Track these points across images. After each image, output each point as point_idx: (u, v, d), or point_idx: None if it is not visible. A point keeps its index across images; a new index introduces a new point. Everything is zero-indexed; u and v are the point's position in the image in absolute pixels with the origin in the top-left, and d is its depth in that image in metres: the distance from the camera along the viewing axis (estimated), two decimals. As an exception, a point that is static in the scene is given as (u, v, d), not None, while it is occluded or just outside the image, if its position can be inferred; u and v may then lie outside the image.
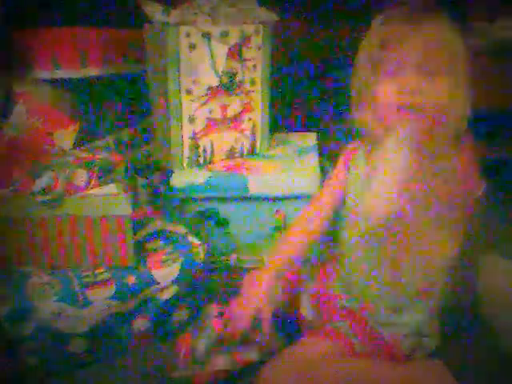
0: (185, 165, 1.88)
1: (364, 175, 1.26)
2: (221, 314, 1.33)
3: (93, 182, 1.44)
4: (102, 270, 1.45)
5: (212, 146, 1.91)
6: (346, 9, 2.44)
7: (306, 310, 1.42)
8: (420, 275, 1.23)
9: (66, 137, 1.74)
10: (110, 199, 1.41)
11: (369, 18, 1.22)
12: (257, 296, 1.23)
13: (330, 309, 1.37)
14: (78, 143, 1.76)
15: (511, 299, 1.48)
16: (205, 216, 1.83)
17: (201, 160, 1.90)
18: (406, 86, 1.12)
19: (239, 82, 1.87)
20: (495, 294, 1.54)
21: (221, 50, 1.80)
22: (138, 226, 1.56)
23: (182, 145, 1.86)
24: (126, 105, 2.02)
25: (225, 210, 1.84)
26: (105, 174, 1.45)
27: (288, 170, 1.86)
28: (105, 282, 1.43)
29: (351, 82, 1.24)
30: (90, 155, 1.52)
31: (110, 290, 1.42)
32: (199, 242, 1.57)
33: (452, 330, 1.40)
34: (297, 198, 1.81)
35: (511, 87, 2.37)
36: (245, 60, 1.86)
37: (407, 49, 1.11)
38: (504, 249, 1.68)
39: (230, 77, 1.84)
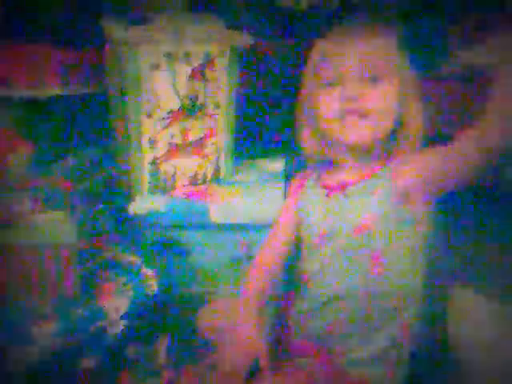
0: (145, 190, 1.80)
1: (324, 197, 1.25)
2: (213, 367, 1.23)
3: (38, 209, 1.35)
4: (46, 304, 1.36)
5: (174, 171, 1.83)
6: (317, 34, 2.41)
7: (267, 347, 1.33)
8: (390, 292, 1.19)
9: (20, 160, 1.66)
10: (56, 226, 1.33)
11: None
12: (250, 341, 1.15)
13: (292, 345, 1.30)
14: (34, 166, 1.68)
15: (481, 341, 1.41)
16: (164, 244, 1.75)
17: (162, 186, 1.82)
18: (348, 92, 1.13)
19: (202, 105, 1.80)
20: (465, 333, 1.48)
21: (183, 72, 1.73)
22: (89, 254, 1.47)
23: (143, 170, 1.78)
24: (85, 127, 1.93)
25: (186, 238, 1.76)
26: (51, 199, 1.37)
27: (252, 197, 1.79)
28: (50, 316, 1.34)
29: (297, 104, 1.28)
30: (36, 180, 1.44)
31: (55, 324, 1.33)
32: (153, 274, 1.48)
33: (422, 367, 1.33)
34: (261, 226, 1.73)
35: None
36: (208, 82, 1.79)
37: (346, 57, 1.14)
38: (476, 284, 1.63)
39: (192, 99, 1.77)
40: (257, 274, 1.30)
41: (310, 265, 1.27)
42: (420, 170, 1.11)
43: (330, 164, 1.28)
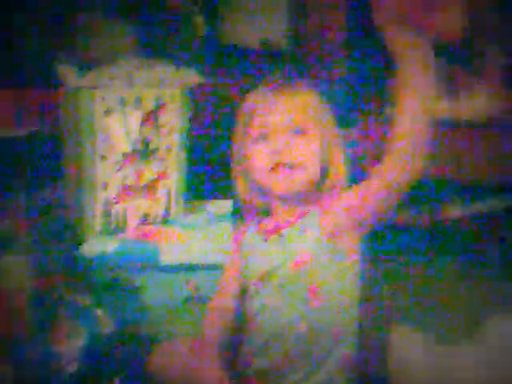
0: (96, 232, 1.82)
1: (263, 242, 1.32)
2: None
3: (-6, 252, 1.37)
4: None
5: (125, 212, 1.86)
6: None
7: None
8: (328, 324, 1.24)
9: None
10: (9, 270, 1.35)
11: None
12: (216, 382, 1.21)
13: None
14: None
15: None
16: (115, 285, 1.77)
17: (113, 227, 1.85)
18: (276, 146, 1.23)
19: (154, 148, 1.85)
20: (406, 369, 1.55)
21: (135, 116, 1.78)
22: (40, 296, 1.49)
23: (94, 211, 1.81)
24: (34, 168, 1.95)
25: (136, 279, 1.78)
26: (5, 243, 1.39)
27: (201, 238, 1.84)
28: (1, 359, 1.35)
29: (231, 156, 1.37)
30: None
31: (7, 367, 1.34)
32: (104, 314, 1.51)
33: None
34: (209, 267, 1.78)
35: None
36: (160, 126, 1.84)
37: (272, 112, 1.24)
38: (416, 321, 1.71)
39: (145, 143, 1.82)
40: (213, 317, 1.35)
41: (251, 305, 1.33)
42: (341, 207, 1.22)
43: (265, 210, 1.36)
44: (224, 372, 1.23)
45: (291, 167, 1.24)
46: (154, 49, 2.43)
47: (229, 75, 2.63)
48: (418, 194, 2.21)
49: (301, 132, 1.24)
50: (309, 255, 1.22)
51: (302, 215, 1.27)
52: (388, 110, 2.30)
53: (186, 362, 1.39)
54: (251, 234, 1.37)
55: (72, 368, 1.43)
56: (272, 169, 1.24)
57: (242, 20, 3.35)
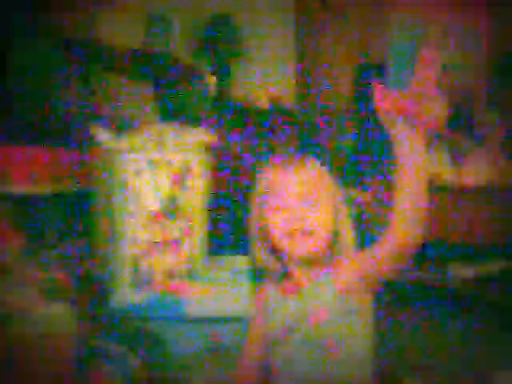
0: (125, 285, 1.94)
1: (282, 299, 1.39)
2: None
3: (41, 301, 1.49)
4: (44, 388, 1.48)
5: (152, 267, 1.98)
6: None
7: None
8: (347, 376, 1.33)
9: (10, 251, 1.79)
10: (57, 317, 1.46)
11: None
12: None
13: None
14: (22, 257, 1.81)
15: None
16: (143, 335, 1.88)
17: (141, 280, 1.97)
18: (293, 216, 1.32)
19: (180, 207, 1.98)
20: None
21: (165, 178, 1.92)
22: (78, 343, 1.60)
23: (124, 265, 1.92)
24: (68, 221, 2.09)
25: (162, 329, 1.89)
26: (52, 292, 1.51)
27: (222, 292, 1.95)
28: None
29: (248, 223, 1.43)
30: (39, 273, 1.57)
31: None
32: (138, 361, 1.61)
33: None
34: (230, 319, 1.88)
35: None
36: (186, 188, 1.98)
37: (287, 186, 1.34)
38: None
39: (172, 202, 1.95)
40: (243, 371, 1.45)
41: (275, 359, 1.42)
42: (353, 269, 1.32)
43: (283, 272, 1.46)
44: None
45: (305, 234, 1.32)
46: (170, 111, 2.61)
47: (241, 134, 2.78)
48: (430, 254, 2.35)
49: (313, 202, 1.32)
50: (325, 312, 1.31)
51: (318, 276, 1.35)
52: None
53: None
54: (272, 293, 1.43)
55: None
56: (288, 235, 1.32)
57: (252, 79, 3.55)
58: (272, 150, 2.65)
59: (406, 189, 1.21)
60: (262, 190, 1.38)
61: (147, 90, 2.78)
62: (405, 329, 1.91)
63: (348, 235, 1.38)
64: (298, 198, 1.33)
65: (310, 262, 1.37)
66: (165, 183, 1.93)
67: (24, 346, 1.46)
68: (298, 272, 1.39)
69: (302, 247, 1.33)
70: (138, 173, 1.88)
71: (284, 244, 1.35)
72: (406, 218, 1.22)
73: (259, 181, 1.40)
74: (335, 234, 1.36)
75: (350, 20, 3.36)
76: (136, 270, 1.95)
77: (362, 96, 3.14)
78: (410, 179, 1.20)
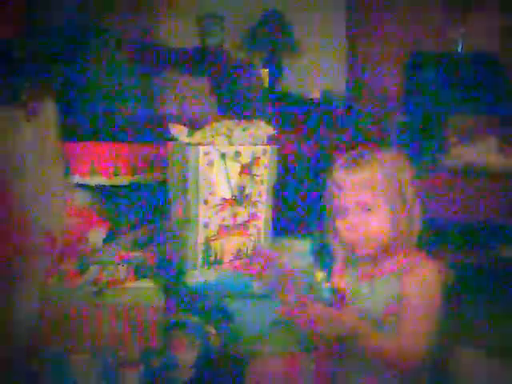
0: (198, 264, 2.15)
1: (357, 282, 1.52)
2: None
3: (131, 276, 1.70)
4: (134, 352, 1.69)
5: (222, 248, 2.19)
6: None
7: None
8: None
9: (98, 235, 2.02)
10: (145, 291, 1.68)
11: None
12: None
13: None
14: (105, 241, 2.04)
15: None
16: (213, 310, 2.07)
17: (212, 260, 2.17)
18: (350, 222, 1.43)
19: (248, 194, 2.17)
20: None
21: (234, 168, 2.11)
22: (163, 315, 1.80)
23: (197, 247, 2.13)
24: (146, 209, 2.31)
25: (232, 305, 2.08)
26: (140, 269, 1.72)
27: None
28: (136, 363, 1.67)
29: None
30: (127, 253, 1.79)
31: (140, 370, 1.66)
32: (215, 332, 1.81)
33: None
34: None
35: (482, 201, 2.73)
36: (254, 176, 2.17)
37: (347, 192, 1.42)
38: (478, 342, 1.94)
39: (241, 190, 2.15)
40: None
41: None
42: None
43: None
44: None
45: (365, 237, 1.41)
46: (227, 105, 2.80)
47: (293, 126, 2.94)
48: (479, 237, 2.47)
49: (369, 209, 1.39)
50: (396, 308, 1.39)
51: (388, 272, 1.45)
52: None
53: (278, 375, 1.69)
54: (349, 274, 1.55)
55: (188, 375, 1.73)
56: (349, 237, 1.44)
57: (304, 72, 3.68)
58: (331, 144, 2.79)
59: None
60: (330, 191, 1.47)
61: (205, 86, 2.95)
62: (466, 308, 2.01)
63: (410, 233, 1.43)
64: (355, 205, 1.41)
65: (377, 258, 1.48)
66: (234, 173, 2.12)
67: (116, 317, 1.69)
68: (366, 264, 1.51)
69: (362, 248, 1.45)
70: (209, 164, 2.07)
71: (348, 242, 1.47)
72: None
73: (328, 181, 1.47)
74: (396, 233, 1.42)
75: (399, 16, 3.44)
76: (208, 250, 2.16)
77: (412, 88, 3.24)
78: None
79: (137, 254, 1.78)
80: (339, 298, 1.49)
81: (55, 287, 1.67)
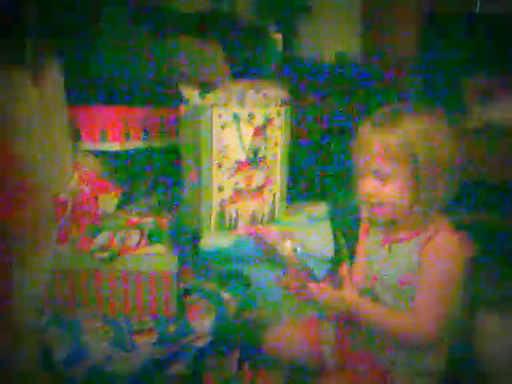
0: (212, 229, 2.10)
1: (378, 246, 1.49)
2: None
3: (143, 242, 1.66)
4: (147, 319, 1.66)
5: (237, 212, 2.14)
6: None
7: (327, 358, 1.58)
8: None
9: (109, 201, 1.98)
10: (158, 257, 1.64)
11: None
12: None
13: (349, 355, 1.54)
14: (119, 206, 2.00)
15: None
16: (229, 275, 2.04)
17: (226, 225, 2.13)
18: (366, 189, 1.39)
19: (262, 157, 2.12)
20: (494, 353, 1.73)
21: (248, 130, 2.05)
22: (180, 281, 1.77)
23: (211, 211, 2.09)
24: (158, 174, 2.26)
25: (247, 270, 2.05)
26: (153, 235, 1.68)
27: (302, 236, 2.08)
28: (149, 330, 1.64)
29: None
30: (139, 218, 1.75)
31: (154, 336, 1.63)
32: (231, 297, 1.78)
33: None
34: (312, 259, 2.01)
35: (503, 163, 2.66)
36: (268, 138, 2.11)
37: (366, 156, 1.37)
38: (502, 309, 1.88)
39: (255, 153, 2.09)
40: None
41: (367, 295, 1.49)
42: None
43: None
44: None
45: (380, 205, 1.38)
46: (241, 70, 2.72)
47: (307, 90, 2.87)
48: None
49: (385, 179, 1.35)
50: (413, 275, 1.37)
51: (407, 238, 1.41)
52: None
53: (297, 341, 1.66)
54: (373, 237, 1.52)
55: (203, 342, 1.70)
56: (367, 199, 1.40)
57: (318, 35, 3.59)
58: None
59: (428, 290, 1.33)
60: (355, 150, 1.42)
61: (218, 51, 2.88)
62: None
63: (430, 200, 1.36)
64: (371, 172, 1.37)
65: (395, 224, 1.44)
66: (248, 135, 2.06)
67: (129, 283, 1.65)
68: (392, 226, 1.46)
69: (379, 215, 1.42)
70: (223, 126, 2.02)
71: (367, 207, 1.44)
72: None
73: (355, 140, 1.42)
74: (415, 201, 1.36)
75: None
76: (222, 215, 2.11)
77: (428, 51, 3.16)
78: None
79: (149, 220, 1.74)
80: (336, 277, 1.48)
81: (67, 253, 1.64)
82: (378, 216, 1.43)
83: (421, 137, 1.32)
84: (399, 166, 1.33)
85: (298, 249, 1.50)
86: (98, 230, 1.64)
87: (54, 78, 1.80)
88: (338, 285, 1.44)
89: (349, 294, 1.42)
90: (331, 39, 3.54)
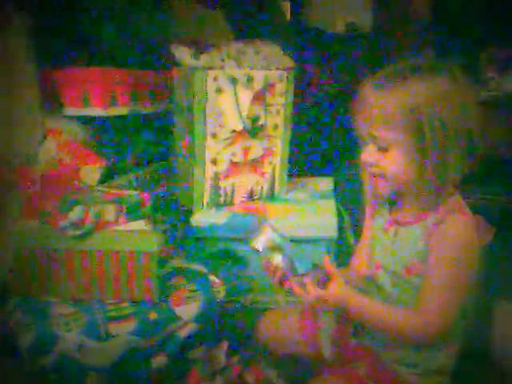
0: (205, 205, 1.93)
1: (382, 230, 1.32)
2: None
3: (121, 218, 1.48)
4: (125, 305, 1.49)
5: (233, 187, 1.96)
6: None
7: (325, 350, 1.43)
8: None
9: (92, 173, 1.79)
10: (138, 235, 1.46)
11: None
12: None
13: (348, 348, 1.40)
14: (102, 179, 1.82)
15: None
16: (222, 255, 1.87)
17: (221, 201, 1.95)
18: (367, 159, 1.22)
19: (262, 126, 1.92)
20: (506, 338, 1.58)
21: (246, 95, 1.86)
22: (160, 262, 1.59)
23: (204, 185, 1.91)
24: (149, 144, 2.07)
25: (242, 250, 1.87)
26: (133, 210, 1.50)
27: (305, 213, 1.91)
28: (127, 317, 1.46)
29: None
30: (119, 191, 1.57)
31: (132, 324, 1.45)
32: (220, 282, 1.60)
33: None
34: (314, 241, 1.85)
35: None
36: (268, 105, 1.92)
37: (367, 121, 1.19)
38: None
39: (254, 121, 1.90)
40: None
41: (369, 287, 1.36)
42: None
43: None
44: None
45: (381, 177, 1.22)
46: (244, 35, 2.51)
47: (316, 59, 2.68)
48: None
49: (386, 147, 1.18)
50: (421, 262, 1.21)
51: (418, 221, 1.23)
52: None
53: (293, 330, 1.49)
54: (378, 219, 1.36)
55: (188, 330, 1.52)
56: (370, 171, 1.24)
57: (328, 3, 3.40)
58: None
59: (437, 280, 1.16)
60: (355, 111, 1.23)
61: (220, 17, 2.69)
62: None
63: (437, 175, 1.17)
64: (371, 141, 1.20)
65: (402, 203, 1.28)
66: (246, 101, 1.87)
67: (105, 264, 1.47)
68: (401, 206, 1.30)
69: (382, 188, 1.24)
70: (218, 91, 1.83)
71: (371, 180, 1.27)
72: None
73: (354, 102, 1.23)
74: (420, 175, 1.18)
75: None
76: (216, 190, 1.93)
77: (442, 21, 2.98)
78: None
79: (130, 193, 1.55)
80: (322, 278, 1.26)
81: (34, 229, 1.45)
82: (380, 190, 1.25)
83: (429, 101, 1.13)
84: (401, 134, 1.15)
85: (261, 249, 1.31)
86: (71, 205, 1.45)
87: (18, 34, 1.60)
88: (323, 281, 1.25)
89: (337, 291, 1.23)
90: (342, 9, 3.37)
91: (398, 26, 3.22)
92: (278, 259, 1.27)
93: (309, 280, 1.23)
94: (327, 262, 1.26)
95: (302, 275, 1.25)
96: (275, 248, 1.28)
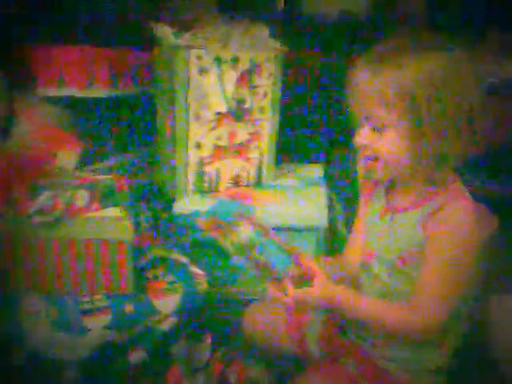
0: (189, 191, 1.84)
1: (378, 217, 1.25)
2: None
3: (94, 205, 1.39)
4: (99, 297, 1.40)
5: (218, 173, 1.87)
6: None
7: (313, 346, 1.37)
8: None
9: (69, 157, 1.69)
10: (112, 223, 1.37)
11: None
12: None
13: (336, 345, 1.34)
14: (80, 164, 1.72)
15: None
16: (206, 245, 1.78)
17: (205, 187, 1.86)
18: (361, 141, 1.14)
19: (248, 109, 1.83)
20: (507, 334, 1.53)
21: (231, 76, 1.77)
22: (138, 252, 1.51)
23: (187, 171, 1.82)
24: (129, 127, 1.98)
25: (228, 239, 1.79)
26: (107, 196, 1.41)
27: (294, 201, 1.83)
28: (102, 310, 1.38)
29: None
30: (93, 176, 1.48)
31: (107, 318, 1.37)
32: (203, 273, 1.52)
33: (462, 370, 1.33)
34: (303, 230, 1.77)
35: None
36: (255, 87, 1.82)
37: (360, 100, 1.12)
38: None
39: (239, 103, 1.81)
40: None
41: (363, 276, 1.29)
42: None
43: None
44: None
45: (376, 159, 1.14)
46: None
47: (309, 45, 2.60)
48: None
49: (380, 129, 1.11)
50: (415, 251, 1.15)
51: (412, 207, 1.17)
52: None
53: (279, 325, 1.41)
54: (374, 205, 1.29)
55: (167, 325, 1.44)
56: (363, 154, 1.17)
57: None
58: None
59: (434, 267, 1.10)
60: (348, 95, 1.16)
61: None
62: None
63: (432, 158, 1.11)
64: (366, 122, 1.13)
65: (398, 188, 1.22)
66: (231, 82, 1.77)
67: (76, 253, 1.38)
68: (397, 192, 1.24)
69: (374, 171, 1.17)
70: (202, 71, 1.74)
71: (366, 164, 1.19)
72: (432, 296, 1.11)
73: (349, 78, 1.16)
74: (417, 158, 1.12)
75: None
76: (200, 175, 1.84)
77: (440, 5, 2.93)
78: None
79: (105, 178, 1.45)
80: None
81: (1, 216, 1.36)
82: (374, 174, 1.17)
83: (426, 81, 1.05)
84: (395, 115, 1.08)
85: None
86: (41, 190, 1.36)
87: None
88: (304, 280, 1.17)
89: (320, 292, 1.16)
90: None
91: (395, 11, 3.17)
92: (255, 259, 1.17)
93: (288, 281, 1.14)
94: (305, 258, 1.19)
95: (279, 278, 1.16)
96: (252, 247, 1.19)
